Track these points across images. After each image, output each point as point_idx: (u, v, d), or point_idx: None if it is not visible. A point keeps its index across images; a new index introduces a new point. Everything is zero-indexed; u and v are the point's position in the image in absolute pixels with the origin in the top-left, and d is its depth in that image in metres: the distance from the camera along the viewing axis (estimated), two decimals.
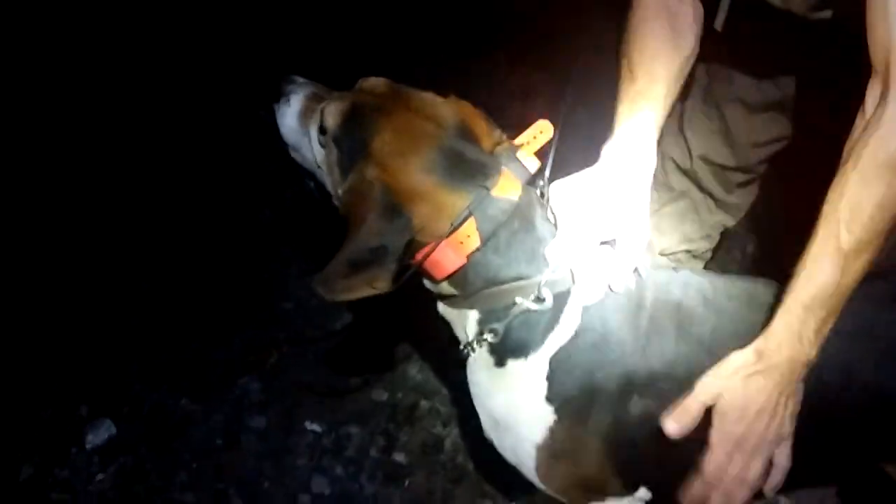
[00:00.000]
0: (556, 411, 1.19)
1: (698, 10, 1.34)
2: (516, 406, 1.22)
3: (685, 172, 1.81)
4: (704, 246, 1.96)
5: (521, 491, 1.85)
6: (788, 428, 1.12)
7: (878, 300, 1.22)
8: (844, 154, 1.06)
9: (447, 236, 1.11)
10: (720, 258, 2.57)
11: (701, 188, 1.82)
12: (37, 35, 3.49)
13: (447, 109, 1.19)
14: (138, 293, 2.46)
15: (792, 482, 1.19)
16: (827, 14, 1.23)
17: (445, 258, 1.13)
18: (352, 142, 1.16)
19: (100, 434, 2.02)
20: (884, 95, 1.00)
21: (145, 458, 1.98)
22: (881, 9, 0.98)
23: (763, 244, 2.73)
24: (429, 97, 1.21)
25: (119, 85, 3.35)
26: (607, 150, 1.25)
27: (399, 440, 2.05)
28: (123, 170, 2.95)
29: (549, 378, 1.18)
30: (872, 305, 1.20)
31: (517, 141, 1.22)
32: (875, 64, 1.01)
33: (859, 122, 1.05)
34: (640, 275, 1.22)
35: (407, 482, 1.96)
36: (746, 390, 1.08)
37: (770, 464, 1.14)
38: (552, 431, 1.20)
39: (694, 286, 1.24)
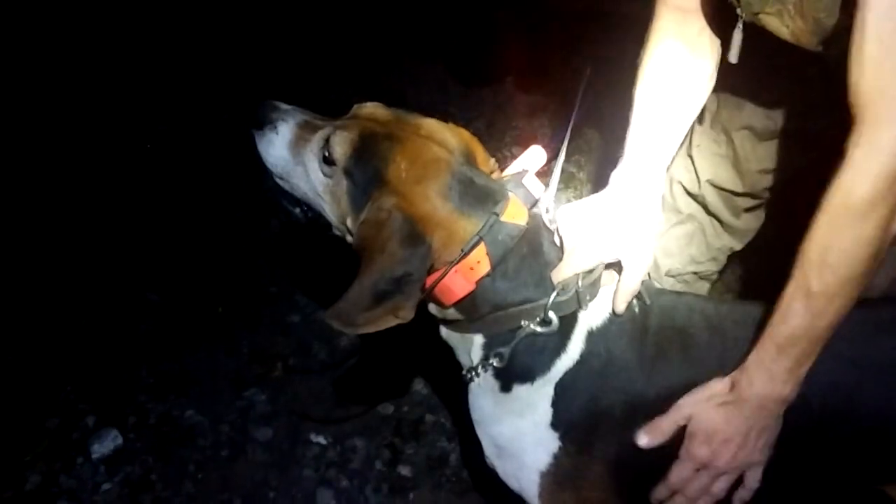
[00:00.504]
0: (561, 438, 1.19)
1: (715, 42, 1.35)
2: (521, 433, 1.22)
3: (693, 196, 1.82)
4: (711, 268, 1.97)
5: None
6: (758, 457, 1.13)
7: (880, 325, 1.22)
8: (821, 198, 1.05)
9: (457, 262, 1.11)
10: (725, 276, 2.58)
11: (708, 211, 1.84)
12: (39, 42, 3.53)
13: (450, 135, 1.20)
14: (145, 304, 2.47)
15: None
16: (835, 50, 1.24)
17: (455, 284, 1.13)
18: (364, 172, 1.14)
19: (106, 444, 2.02)
20: (853, 140, 0.99)
21: (151, 468, 1.99)
22: (854, 54, 0.98)
23: (767, 264, 2.74)
24: (433, 123, 1.21)
25: (131, 96, 3.38)
26: (616, 176, 1.27)
27: (404, 454, 2.05)
28: (133, 180, 2.98)
29: (555, 404, 1.18)
30: (873, 330, 1.20)
31: (511, 167, 1.25)
32: (850, 108, 1.01)
33: (835, 166, 1.05)
34: (645, 301, 1.22)
35: (412, 495, 1.96)
36: (715, 418, 1.10)
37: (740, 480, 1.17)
38: (556, 458, 1.20)
39: (699, 311, 1.24)
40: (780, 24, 1.24)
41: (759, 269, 2.72)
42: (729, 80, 1.51)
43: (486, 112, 3.41)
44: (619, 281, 1.19)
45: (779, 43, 1.29)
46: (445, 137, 1.19)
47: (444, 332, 1.27)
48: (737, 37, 1.32)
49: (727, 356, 1.18)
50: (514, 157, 1.26)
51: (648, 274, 1.92)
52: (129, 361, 2.28)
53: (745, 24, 1.29)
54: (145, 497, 1.93)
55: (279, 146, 1.24)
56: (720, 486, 1.14)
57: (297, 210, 1.31)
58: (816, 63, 1.32)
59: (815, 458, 1.22)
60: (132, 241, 2.70)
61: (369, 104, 1.24)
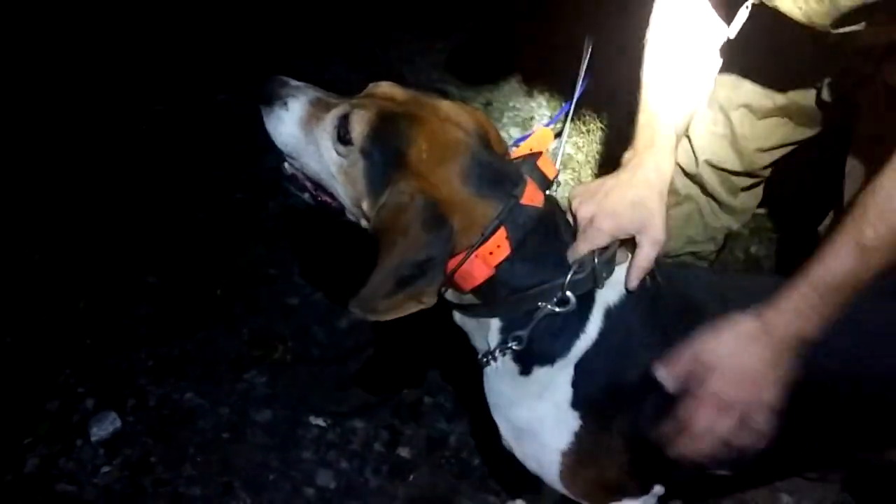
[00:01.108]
0: (582, 417, 1.19)
1: (720, 15, 1.34)
2: (541, 414, 1.22)
3: (690, 176, 1.82)
4: (709, 248, 1.97)
5: (526, 487, 1.86)
6: (773, 395, 1.11)
7: (880, 291, 1.22)
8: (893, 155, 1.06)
9: (478, 247, 1.10)
10: (724, 259, 2.58)
11: (706, 192, 1.83)
12: (36, 34, 3.51)
13: (466, 116, 1.18)
14: (144, 287, 2.47)
15: (790, 470, 1.20)
16: (848, 29, 1.23)
17: (475, 269, 1.11)
18: (384, 152, 1.12)
19: (105, 427, 2.02)
20: None
21: (151, 450, 1.99)
22: None
23: (766, 245, 2.74)
24: (450, 104, 1.19)
25: (126, 76, 3.36)
26: (627, 157, 1.29)
27: (404, 435, 2.05)
28: (130, 162, 2.96)
29: (575, 384, 1.18)
30: (877, 294, 1.20)
31: (520, 149, 1.24)
32: None
33: None
34: (657, 277, 1.23)
35: (412, 477, 1.96)
36: (742, 353, 1.09)
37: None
38: (578, 437, 1.20)
39: (703, 279, 1.25)
40: (794, 6, 1.23)
41: (757, 250, 2.73)
42: (727, 58, 1.50)
43: (484, 92, 3.39)
44: (632, 257, 1.20)
45: (781, 21, 1.28)
46: (463, 119, 1.18)
47: (458, 317, 1.25)
48: (742, 14, 1.31)
49: None
50: (512, 138, 1.25)
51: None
52: (128, 344, 2.27)
53: (753, 3, 1.28)
54: (145, 479, 1.93)
55: (290, 123, 1.20)
56: (726, 424, 1.11)
57: (306, 195, 1.27)
58: (818, 40, 1.32)
59: (817, 422, 1.22)
60: (130, 224, 2.69)
61: (384, 84, 1.21)
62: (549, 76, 3.28)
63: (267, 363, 2.24)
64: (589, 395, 1.18)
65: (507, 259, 1.12)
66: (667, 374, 1.12)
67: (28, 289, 2.43)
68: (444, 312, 1.27)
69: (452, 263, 1.10)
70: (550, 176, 1.20)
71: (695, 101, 1.38)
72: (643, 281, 1.20)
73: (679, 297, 1.22)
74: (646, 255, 1.19)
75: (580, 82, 1.34)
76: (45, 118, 3.12)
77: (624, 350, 1.18)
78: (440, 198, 1.08)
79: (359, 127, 1.13)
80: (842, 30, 1.22)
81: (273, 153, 1.29)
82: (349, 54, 3.52)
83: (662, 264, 1.26)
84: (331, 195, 1.23)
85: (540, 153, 1.21)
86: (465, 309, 1.22)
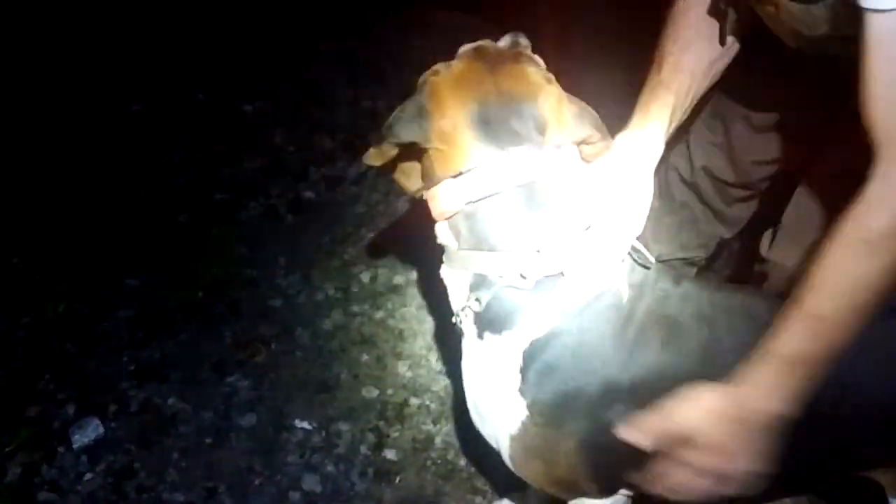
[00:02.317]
0: (529, 407, 1.19)
1: (745, 15, 1.34)
2: (494, 391, 1.23)
3: (687, 183, 1.82)
4: (700, 255, 1.97)
5: (512, 487, 1.86)
6: (753, 465, 1.10)
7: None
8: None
9: (454, 176, 1.15)
10: (714, 263, 2.59)
11: (702, 200, 1.84)
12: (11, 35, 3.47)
13: (540, 90, 1.20)
14: (124, 290, 2.44)
15: (785, 491, 1.19)
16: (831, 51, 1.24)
17: (444, 195, 1.17)
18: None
19: (87, 433, 2.00)
20: (872, 173, 0.99)
21: (134, 456, 1.97)
22: (866, 92, 0.98)
23: (750, 245, 2.75)
24: (536, 73, 1.22)
25: (104, 76, 3.33)
26: (618, 140, 1.29)
27: (389, 437, 2.05)
28: (110, 162, 2.94)
29: (522, 372, 1.18)
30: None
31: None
32: (867, 138, 1.00)
33: (851, 197, 1.03)
34: (646, 266, 1.23)
35: (398, 479, 1.95)
36: (715, 431, 1.08)
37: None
38: (524, 425, 1.20)
39: (692, 300, 1.23)
40: (765, 17, 1.24)
41: (738, 248, 2.75)
42: (733, 71, 1.51)
43: None
44: (605, 244, 1.19)
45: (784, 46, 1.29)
46: (525, 86, 1.20)
47: (442, 269, 1.28)
48: (731, 16, 1.32)
49: (713, 346, 1.18)
50: None
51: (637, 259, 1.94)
52: (109, 348, 2.25)
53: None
54: (128, 486, 1.91)
55: None
56: (704, 484, 1.11)
57: None
58: (819, 63, 1.32)
59: (806, 444, 1.22)
60: (109, 226, 2.67)
61: (527, 40, 1.31)
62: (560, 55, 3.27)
63: (250, 366, 2.22)
64: (536, 388, 1.18)
65: (474, 202, 1.16)
66: (629, 437, 1.11)
67: (6, 293, 2.40)
68: (431, 314, 1.28)
69: (431, 182, 1.19)
70: (570, 167, 1.21)
71: (702, 83, 1.38)
72: (617, 293, 1.19)
73: (657, 311, 1.21)
74: (618, 243, 1.20)
75: None
76: (23, 119, 3.09)
77: (578, 353, 1.17)
78: (436, 101, 1.18)
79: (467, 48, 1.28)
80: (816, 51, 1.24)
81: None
82: (332, 52, 3.51)
83: (653, 278, 1.26)
84: None
85: (579, 147, 1.22)
86: (446, 256, 1.25)
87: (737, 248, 2.68)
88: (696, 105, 1.44)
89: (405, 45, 3.53)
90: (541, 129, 1.18)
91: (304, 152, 3.04)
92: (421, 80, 1.22)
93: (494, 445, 1.31)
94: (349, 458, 1.99)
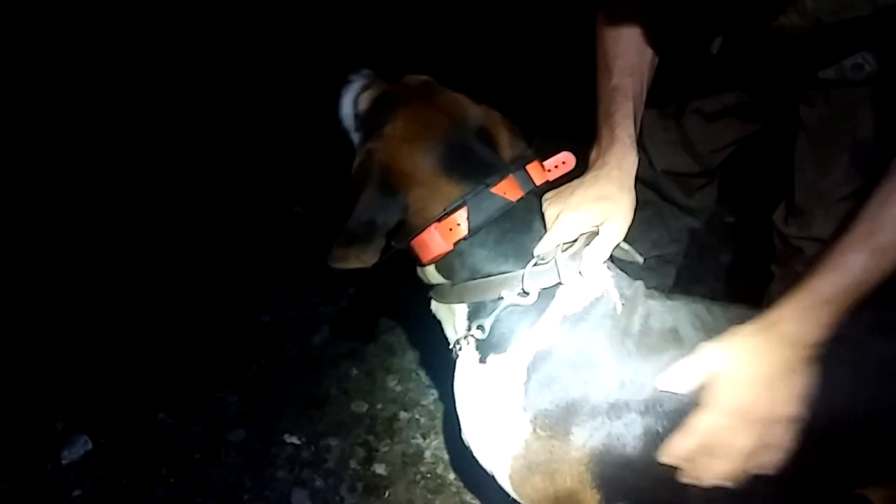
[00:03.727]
0: (532, 421, 1.18)
1: (667, 6, 1.37)
2: (494, 411, 1.22)
3: (647, 184, 1.84)
4: (674, 249, 1.99)
5: (502, 502, 1.86)
6: (791, 404, 1.08)
7: (865, 327, 1.20)
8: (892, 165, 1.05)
9: (438, 221, 1.17)
10: (695, 268, 2.62)
11: (664, 197, 1.86)
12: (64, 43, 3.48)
13: (473, 111, 1.26)
14: (114, 307, 2.44)
15: None
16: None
17: (433, 240, 1.18)
18: (372, 125, 1.24)
19: (76, 449, 2.00)
20: None
21: (123, 472, 1.96)
22: None
23: (736, 254, 2.78)
24: (459, 98, 1.27)
25: (123, 106, 3.34)
26: (592, 158, 1.31)
27: (379, 452, 2.05)
28: (102, 185, 2.94)
29: (526, 385, 1.18)
30: (858, 333, 1.20)
31: (531, 164, 1.26)
32: None
33: None
34: (636, 261, 1.25)
35: (387, 493, 1.95)
36: (754, 361, 1.08)
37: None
38: (527, 442, 1.20)
39: (689, 311, 1.24)
40: (801, 21, 1.25)
41: (726, 258, 2.77)
42: (676, 66, 1.53)
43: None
44: (593, 248, 1.20)
45: (769, 33, 1.31)
46: (460, 110, 1.25)
47: (433, 305, 1.30)
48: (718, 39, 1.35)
49: None
50: None
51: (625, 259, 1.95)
52: (98, 365, 2.25)
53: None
54: (117, 502, 1.91)
55: (347, 104, 1.35)
56: (747, 439, 1.08)
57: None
58: (773, 41, 1.34)
59: (811, 462, 1.22)
60: (100, 248, 2.67)
61: (416, 76, 1.33)
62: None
63: (240, 382, 2.23)
64: (539, 401, 1.18)
65: (465, 239, 1.17)
66: (671, 384, 1.11)
67: None
68: (420, 327, 1.29)
69: (414, 233, 1.19)
70: (537, 181, 1.23)
71: (650, 76, 1.40)
72: (613, 304, 1.20)
73: (655, 325, 1.21)
74: (603, 244, 1.20)
75: None
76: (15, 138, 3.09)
77: (579, 365, 1.17)
78: (397, 168, 1.17)
79: (363, 104, 1.29)
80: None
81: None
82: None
83: (644, 292, 1.26)
84: None
85: (531, 158, 1.26)
86: (437, 293, 1.27)
87: (724, 259, 2.73)
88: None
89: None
90: (499, 151, 1.24)
91: (295, 170, 3.06)
92: (360, 162, 1.21)
93: (488, 467, 1.30)
94: (339, 472, 1.99)
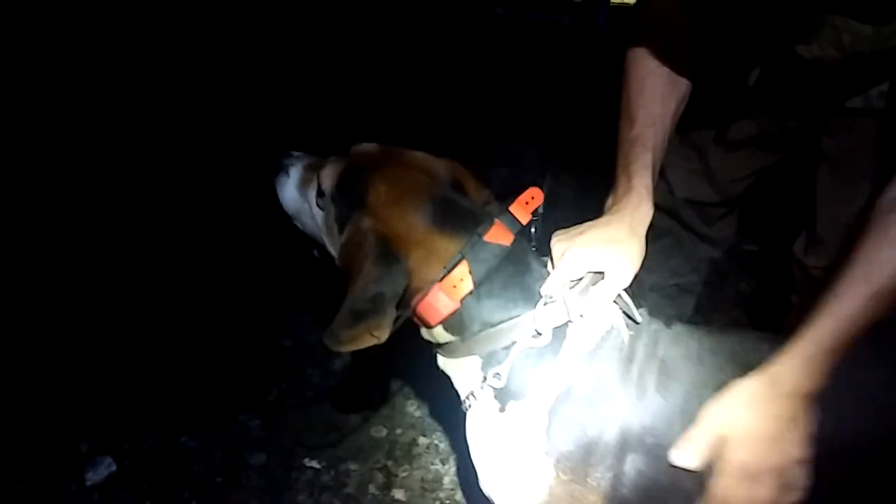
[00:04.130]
0: (556, 466, 1.18)
1: (696, 46, 1.39)
2: (516, 460, 1.21)
3: (668, 212, 1.85)
4: (693, 279, 1.99)
5: None
6: (799, 450, 1.09)
7: (862, 357, 1.23)
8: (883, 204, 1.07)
9: (440, 280, 1.15)
10: (714, 296, 2.62)
11: (683, 225, 1.87)
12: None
13: (439, 164, 1.26)
14: (138, 329, 2.48)
15: None
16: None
17: (439, 302, 1.16)
18: (347, 197, 1.21)
19: (100, 471, 2.02)
20: None
21: (146, 494, 1.98)
22: None
23: (755, 282, 2.78)
24: (421, 154, 1.27)
25: (134, 123, 3.40)
26: (608, 204, 1.33)
27: (398, 477, 2.06)
28: (124, 204, 2.99)
29: (548, 431, 1.18)
30: (855, 363, 1.21)
31: (512, 204, 1.27)
32: None
33: None
34: (634, 319, 1.23)
35: None
36: (755, 417, 1.08)
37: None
38: (551, 488, 1.19)
39: (683, 342, 1.24)
40: (836, 53, 1.28)
41: (746, 287, 2.77)
42: (700, 97, 1.55)
43: (471, 132, 3.45)
44: (598, 289, 1.20)
45: (800, 64, 1.33)
46: (430, 166, 1.25)
47: (440, 361, 1.28)
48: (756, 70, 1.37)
49: (697, 384, 1.18)
50: (501, 178, 1.29)
51: (632, 293, 1.96)
52: (122, 387, 2.28)
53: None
54: None
55: (290, 188, 1.35)
56: (765, 492, 1.09)
57: (315, 251, 1.38)
58: (805, 72, 1.36)
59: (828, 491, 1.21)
60: (125, 268, 2.71)
61: (365, 144, 1.30)
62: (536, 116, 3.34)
63: (261, 405, 2.25)
64: (561, 444, 1.17)
65: (471, 293, 1.16)
66: (684, 458, 1.11)
67: (19, 332, 2.44)
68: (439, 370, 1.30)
69: (417, 297, 1.16)
70: (523, 221, 1.24)
71: (672, 127, 1.42)
72: (619, 335, 1.21)
73: (652, 354, 1.22)
74: (610, 286, 1.20)
75: None
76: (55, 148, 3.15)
77: (595, 402, 1.17)
78: (392, 234, 1.14)
79: (328, 179, 1.24)
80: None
81: (269, 193, 1.39)
82: (358, 119, 3.58)
83: (647, 319, 1.27)
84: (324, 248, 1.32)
85: (511, 199, 1.26)
86: (446, 350, 1.25)
87: (743, 287, 2.73)
88: None
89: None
90: (475, 199, 1.25)
91: None
92: (348, 238, 1.18)
93: None
94: (358, 497, 2.00)
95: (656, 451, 1.14)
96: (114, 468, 2.04)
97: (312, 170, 1.31)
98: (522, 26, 4.79)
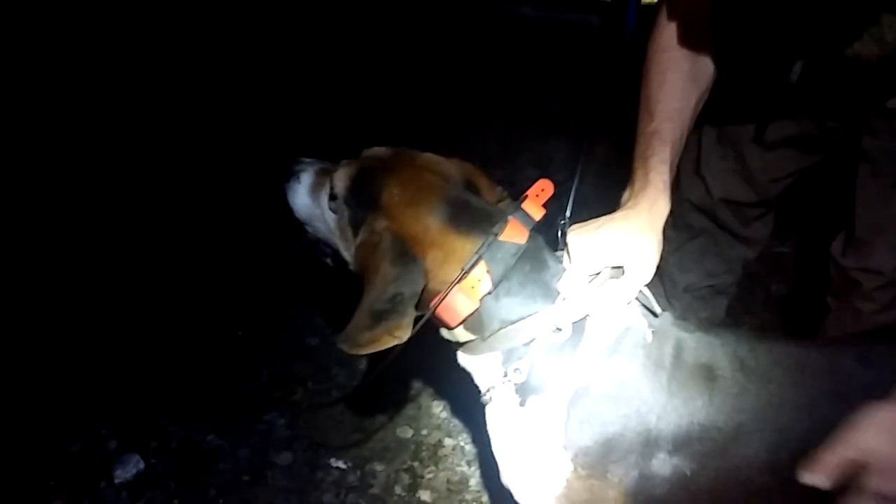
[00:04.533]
0: (573, 460, 1.18)
1: (718, 41, 1.37)
2: (535, 453, 1.21)
3: (704, 211, 1.82)
4: (728, 280, 1.96)
5: None
6: None
7: (843, 365, 1.20)
8: None
9: (459, 281, 1.14)
10: (744, 298, 2.58)
11: (719, 225, 1.84)
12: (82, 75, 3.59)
13: (451, 166, 1.26)
14: (166, 328, 2.50)
15: None
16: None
17: (458, 303, 1.16)
18: (361, 200, 1.21)
19: (128, 469, 2.04)
20: None
21: (173, 492, 1.99)
22: None
23: (787, 284, 2.74)
24: (432, 156, 1.27)
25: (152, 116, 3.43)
26: (624, 198, 1.30)
27: (424, 478, 2.05)
28: (157, 205, 3.01)
29: (566, 425, 1.18)
30: (838, 370, 1.19)
31: (525, 201, 1.26)
32: None
33: None
34: (654, 312, 1.22)
35: None
36: (890, 448, 1.03)
37: None
38: (569, 482, 1.19)
39: (729, 349, 1.22)
40: (876, 49, 1.25)
41: (777, 289, 2.73)
42: (739, 93, 1.52)
43: (500, 134, 3.44)
44: (616, 288, 1.19)
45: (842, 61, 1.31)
46: (442, 167, 1.25)
47: (461, 357, 1.28)
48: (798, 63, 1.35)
49: (755, 395, 1.16)
50: (530, 180, 1.28)
51: (665, 292, 1.94)
52: (150, 385, 2.30)
53: None
54: None
55: (302, 194, 1.34)
56: None
57: (328, 259, 1.38)
58: (846, 69, 1.33)
59: None
60: (153, 265, 2.74)
61: (376, 147, 1.30)
62: (564, 117, 3.32)
63: (287, 405, 2.25)
64: (580, 439, 1.17)
65: (490, 293, 1.16)
66: (818, 476, 1.06)
67: (50, 330, 2.46)
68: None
69: (435, 298, 1.16)
70: (536, 217, 1.23)
71: (691, 123, 1.40)
72: (642, 335, 1.19)
73: (690, 358, 1.20)
74: (631, 283, 1.18)
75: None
76: (76, 158, 3.19)
77: (617, 399, 1.16)
78: (408, 235, 1.15)
79: (341, 182, 1.24)
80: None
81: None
82: (371, 118, 3.58)
83: (672, 321, 1.26)
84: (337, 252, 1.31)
85: (525, 197, 1.25)
86: (467, 348, 1.25)
87: (774, 289, 2.69)
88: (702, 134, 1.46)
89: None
90: (488, 198, 1.24)
91: None
92: (364, 240, 1.18)
93: None
94: (384, 498, 2.00)
95: (710, 456, 1.13)
96: (142, 466, 2.05)
97: (324, 174, 1.31)
98: (550, 27, 4.77)
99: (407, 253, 1.13)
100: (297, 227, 1.40)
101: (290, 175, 1.35)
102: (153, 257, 2.77)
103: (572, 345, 1.17)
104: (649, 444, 1.15)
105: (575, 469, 1.18)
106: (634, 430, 1.16)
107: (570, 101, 3.64)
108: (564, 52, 3.94)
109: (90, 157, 3.29)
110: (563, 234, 1.26)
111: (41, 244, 2.80)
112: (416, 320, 1.16)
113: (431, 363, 2.35)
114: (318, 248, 1.38)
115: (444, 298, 1.15)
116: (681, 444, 1.15)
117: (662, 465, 1.15)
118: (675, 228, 1.82)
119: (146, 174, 3.22)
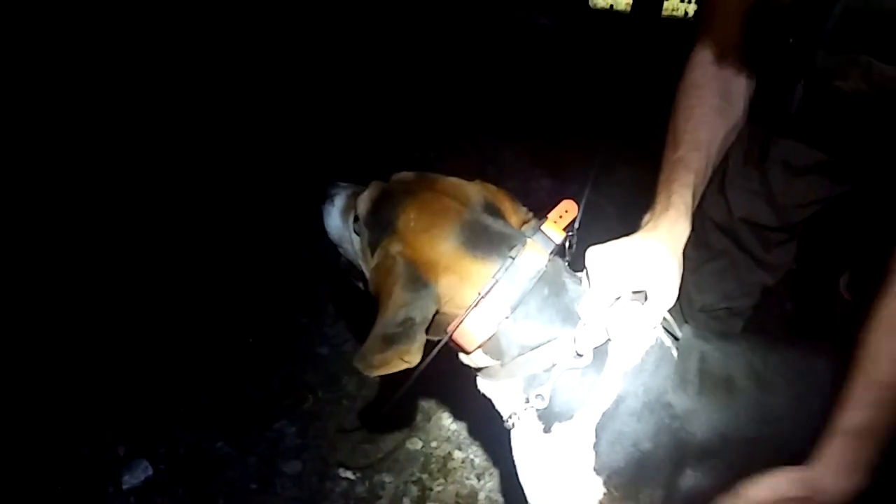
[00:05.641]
0: (605, 483, 1.17)
1: (752, 78, 1.36)
2: (565, 478, 1.20)
3: (725, 231, 1.81)
4: (745, 304, 1.94)
5: None
6: None
7: (804, 353, 1.23)
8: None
9: (475, 305, 1.13)
10: (758, 318, 2.56)
11: (740, 247, 1.82)
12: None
13: (472, 189, 1.25)
14: (177, 334, 2.50)
15: None
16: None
17: (475, 328, 1.15)
18: (379, 222, 1.22)
19: (136, 475, 2.03)
20: None
21: (181, 499, 1.99)
22: None
23: (800, 302, 2.71)
24: (454, 180, 1.26)
25: (169, 128, 3.44)
26: (644, 220, 1.29)
27: (433, 491, 2.04)
28: (167, 212, 3.02)
29: (596, 447, 1.16)
30: (799, 360, 1.21)
31: (545, 222, 1.25)
32: None
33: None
34: (675, 336, 1.21)
35: None
36: None
37: None
38: None
39: (745, 360, 1.22)
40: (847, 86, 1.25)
41: (792, 308, 2.71)
42: (764, 117, 1.51)
43: (515, 144, 3.43)
44: (641, 311, 1.18)
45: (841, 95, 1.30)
46: (462, 191, 1.24)
47: (480, 383, 1.27)
48: (798, 91, 1.34)
49: (772, 408, 1.17)
50: (544, 189, 1.27)
51: (681, 310, 1.92)
52: (159, 391, 2.30)
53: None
54: None
55: (335, 216, 1.36)
56: None
57: (360, 284, 1.36)
58: (860, 101, 1.32)
59: None
60: (164, 271, 2.74)
61: (403, 172, 1.31)
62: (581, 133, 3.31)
63: (296, 413, 2.25)
64: (611, 461, 1.16)
65: (507, 317, 1.15)
66: None
67: (59, 336, 2.46)
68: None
69: (453, 324, 1.15)
70: (556, 240, 1.22)
71: (717, 157, 1.39)
72: (666, 348, 1.19)
73: (711, 370, 1.20)
74: (655, 309, 1.17)
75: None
76: (86, 166, 3.20)
77: (644, 416, 1.16)
78: (421, 260, 1.14)
79: (363, 205, 1.26)
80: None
81: (308, 202, 1.43)
82: (388, 148, 3.58)
83: (693, 333, 1.25)
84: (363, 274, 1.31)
85: (545, 219, 1.24)
86: (486, 374, 1.24)
87: (789, 308, 2.66)
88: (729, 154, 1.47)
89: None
90: (507, 221, 1.22)
91: None
92: (379, 263, 1.18)
93: None
94: None
95: (725, 472, 1.13)
96: (150, 472, 2.04)
97: (355, 197, 1.31)
98: (568, 36, 4.78)
99: (419, 278, 1.13)
100: (331, 248, 1.41)
101: (326, 198, 1.37)
102: (164, 264, 2.77)
103: (596, 368, 1.16)
104: (679, 459, 1.15)
105: (608, 491, 1.17)
106: (665, 447, 1.15)
107: (589, 111, 3.64)
108: (584, 62, 3.93)
109: (104, 164, 3.30)
110: (571, 247, 1.25)
111: (53, 251, 2.81)
112: (434, 345, 1.15)
113: (443, 375, 2.35)
114: (351, 271, 1.38)
115: (460, 323, 1.14)
116: (703, 458, 1.14)
117: (686, 480, 1.15)
118: (696, 248, 1.80)
119: (158, 182, 3.23)
